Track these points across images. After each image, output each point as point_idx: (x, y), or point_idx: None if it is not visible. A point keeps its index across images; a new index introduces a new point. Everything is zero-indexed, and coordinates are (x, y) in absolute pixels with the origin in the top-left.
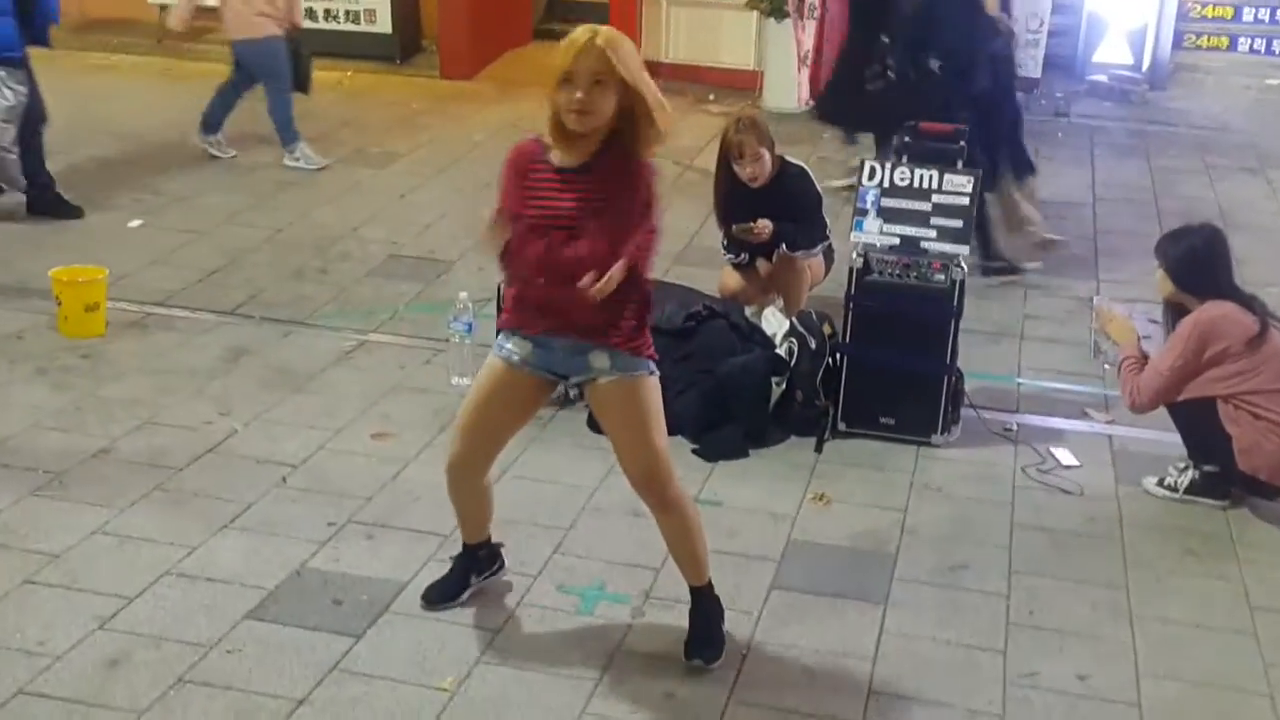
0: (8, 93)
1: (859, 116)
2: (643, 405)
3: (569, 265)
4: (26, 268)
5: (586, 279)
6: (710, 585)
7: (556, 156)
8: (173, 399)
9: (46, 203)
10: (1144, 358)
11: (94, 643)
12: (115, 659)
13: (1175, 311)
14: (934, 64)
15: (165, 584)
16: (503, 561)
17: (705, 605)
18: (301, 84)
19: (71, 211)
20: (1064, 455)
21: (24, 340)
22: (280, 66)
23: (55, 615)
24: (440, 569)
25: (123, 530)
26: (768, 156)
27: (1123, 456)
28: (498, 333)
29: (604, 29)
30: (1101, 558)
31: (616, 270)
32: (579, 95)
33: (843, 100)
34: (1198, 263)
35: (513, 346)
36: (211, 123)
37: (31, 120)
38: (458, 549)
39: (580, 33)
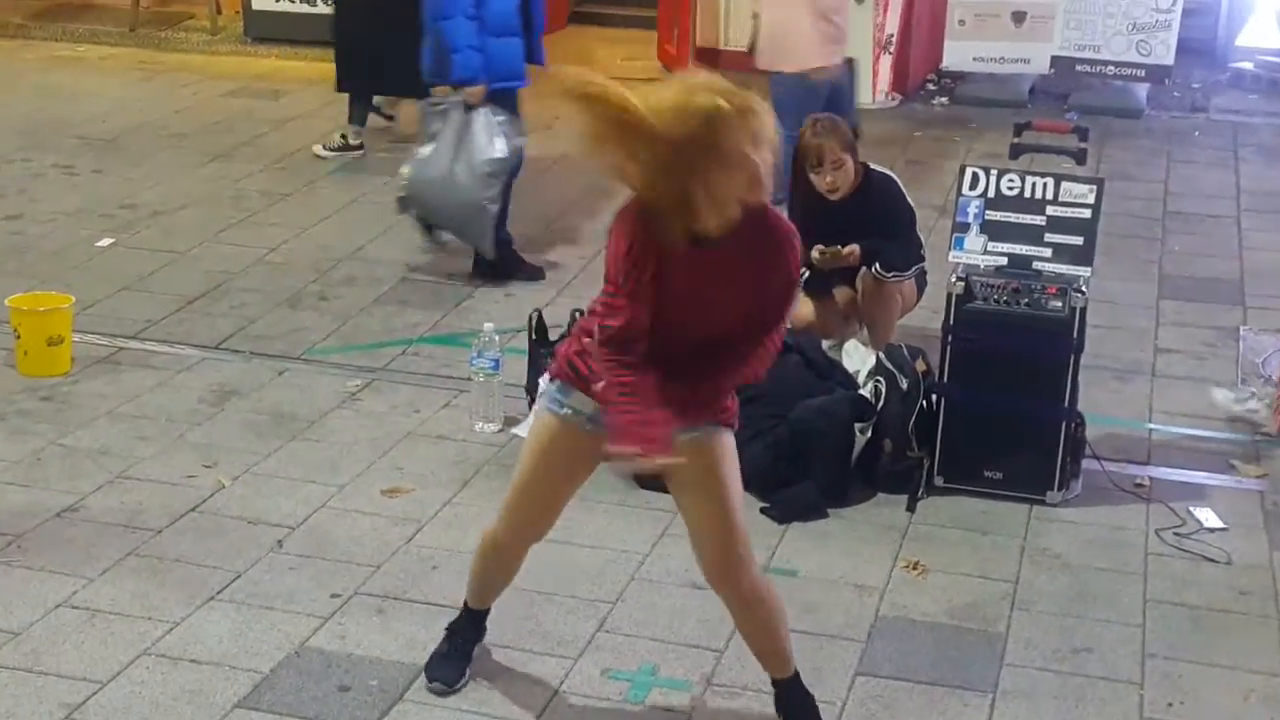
0: (500, 143)
1: None
2: (717, 466)
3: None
4: None
5: None
6: (797, 675)
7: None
8: (149, 449)
9: (505, 262)
10: None
11: None
12: None
13: None
14: None
15: (143, 666)
16: (484, 629)
17: (793, 700)
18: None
19: (534, 273)
20: (1207, 516)
21: None
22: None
23: (16, 702)
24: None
25: (93, 603)
26: (850, 163)
27: (1278, 517)
28: (550, 380)
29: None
30: (1254, 638)
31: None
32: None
33: None
34: None
35: (575, 402)
36: None
37: (515, 168)
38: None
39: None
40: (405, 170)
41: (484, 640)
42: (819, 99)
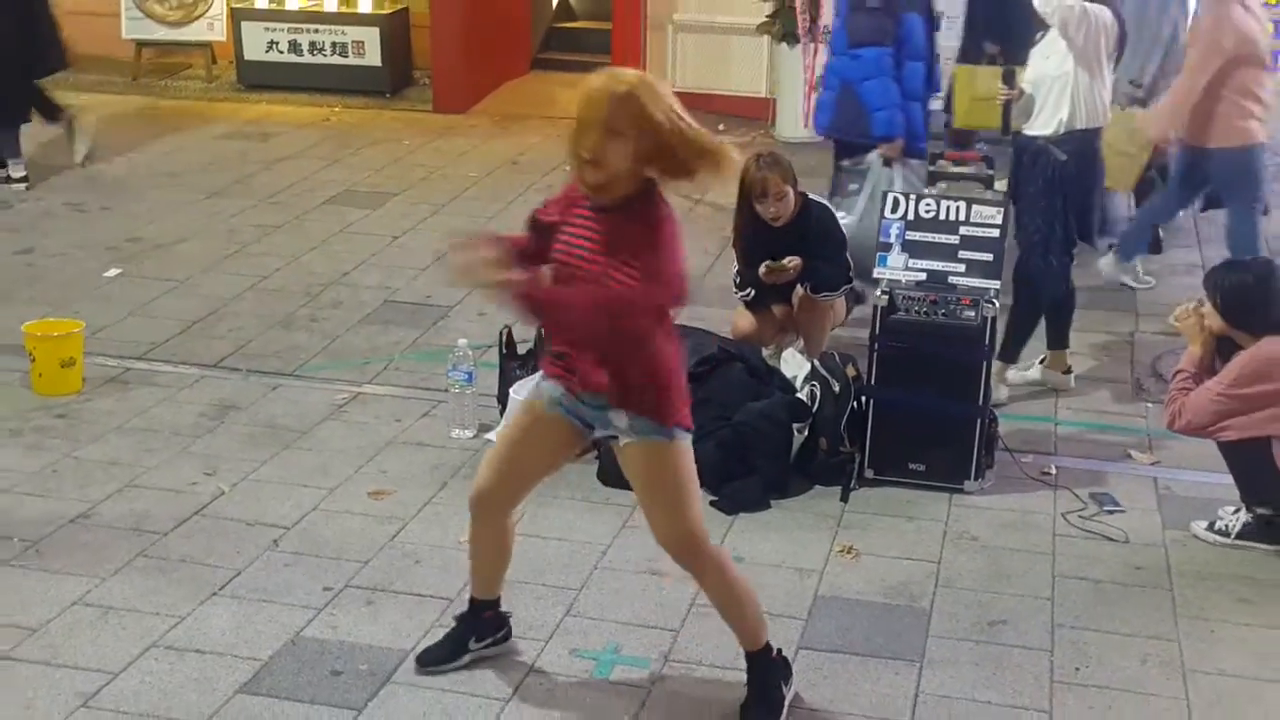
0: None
1: None
2: (669, 472)
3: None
4: None
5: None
6: (767, 649)
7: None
8: (155, 459)
9: None
10: (1199, 377)
11: None
12: None
13: (1229, 346)
14: None
15: (152, 657)
16: (509, 630)
17: (762, 670)
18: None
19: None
20: (1107, 500)
21: None
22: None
23: (36, 693)
24: (443, 634)
25: (105, 601)
26: (791, 194)
27: (1169, 500)
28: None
29: (628, 76)
30: (1150, 608)
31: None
32: (586, 149)
33: None
34: (1249, 299)
35: (548, 388)
36: (1131, 248)
37: None
38: (463, 610)
39: (597, 80)
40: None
41: (507, 642)
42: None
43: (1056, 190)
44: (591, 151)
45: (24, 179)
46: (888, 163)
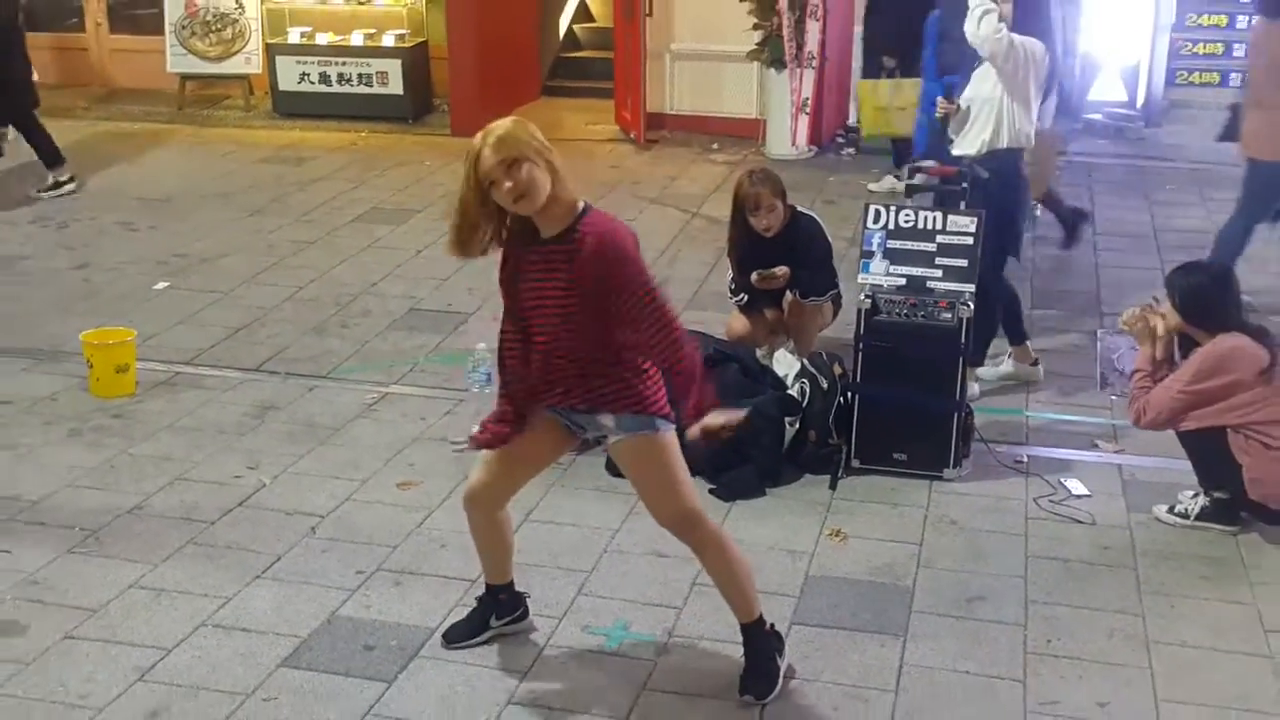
0: None
1: None
2: (657, 461)
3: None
4: (57, 332)
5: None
6: (761, 620)
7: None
8: (202, 455)
9: None
10: (1155, 375)
11: (134, 694)
12: (155, 710)
13: (1188, 342)
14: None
15: (201, 635)
16: (526, 610)
17: (757, 642)
18: None
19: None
20: (1075, 485)
21: (57, 402)
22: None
23: (96, 668)
24: (466, 612)
25: (158, 584)
26: (781, 207)
27: (1133, 485)
28: None
29: (503, 121)
30: (1116, 585)
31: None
32: (507, 185)
33: None
34: (1205, 299)
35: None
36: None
37: None
38: (483, 591)
39: (491, 136)
40: None
41: (525, 620)
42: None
43: (982, 205)
44: (513, 185)
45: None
46: None
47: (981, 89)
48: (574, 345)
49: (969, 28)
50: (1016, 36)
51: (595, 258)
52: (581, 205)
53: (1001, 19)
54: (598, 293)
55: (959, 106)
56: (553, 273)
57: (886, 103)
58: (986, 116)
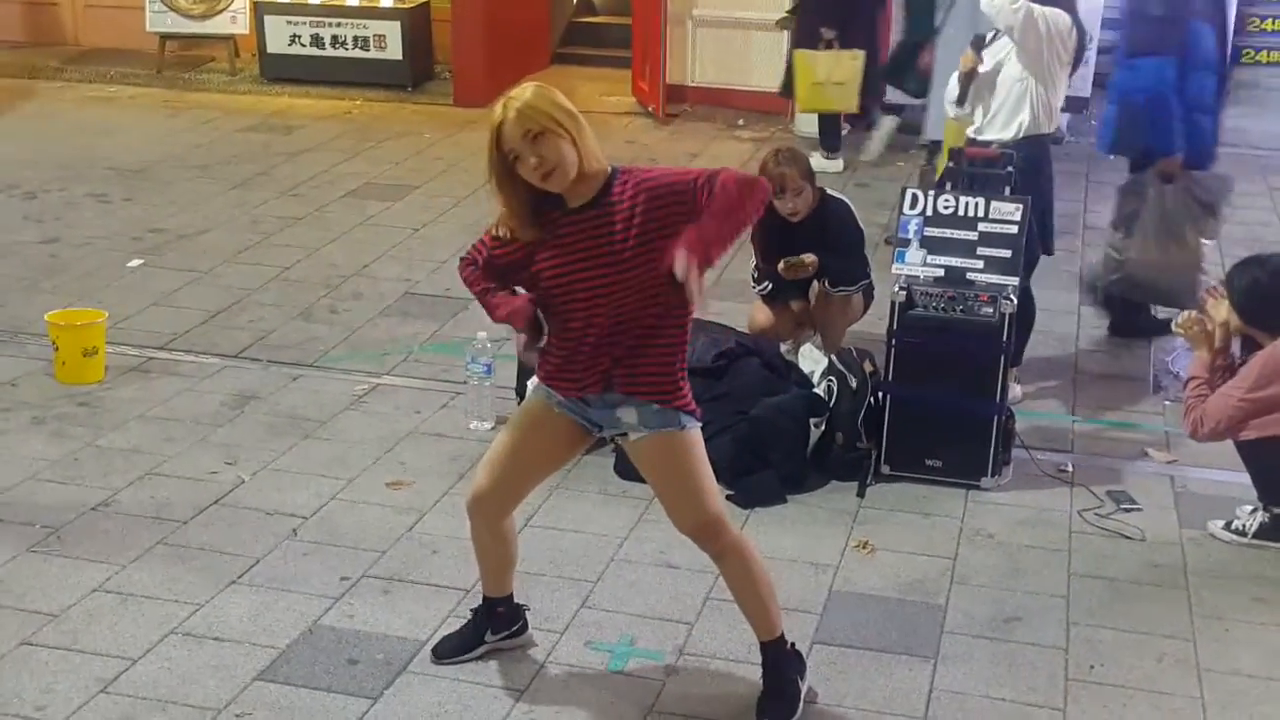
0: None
1: None
2: (681, 462)
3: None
4: (20, 311)
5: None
6: (782, 639)
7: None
8: (176, 448)
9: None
10: (1213, 382)
11: (96, 707)
12: None
13: (1249, 344)
14: None
15: (170, 644)
16: (525, 624)
17: (778, 661)
18: None
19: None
20: (1124, 498)
21: (19, 388)
22: None
23: (55, 678)
24: (459, 624)
25: (125, 587)
26: (809, 189)
27: (1186, 498)
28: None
29: (512, 94)
30: (1166, 607)
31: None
32: (533, 161)
33: None
34: (1262, 296)
35: (545, 389)
36: None
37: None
38: (479, 602)
39: (513, 103)
40: (1113, 254)
41: (524, 635)
42: None
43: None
44: (539, 161)
45: None
46: (1167, 179)
47: (1012, 69)
48: (616, 316)
49: None
50: (1037, 7)
51: (638, 196)
52: (611, 169)
53: None
54: (651, 234)
55: (980, 60)
56: (593, 238)
57: (824, 77)
58: (1019, 98)
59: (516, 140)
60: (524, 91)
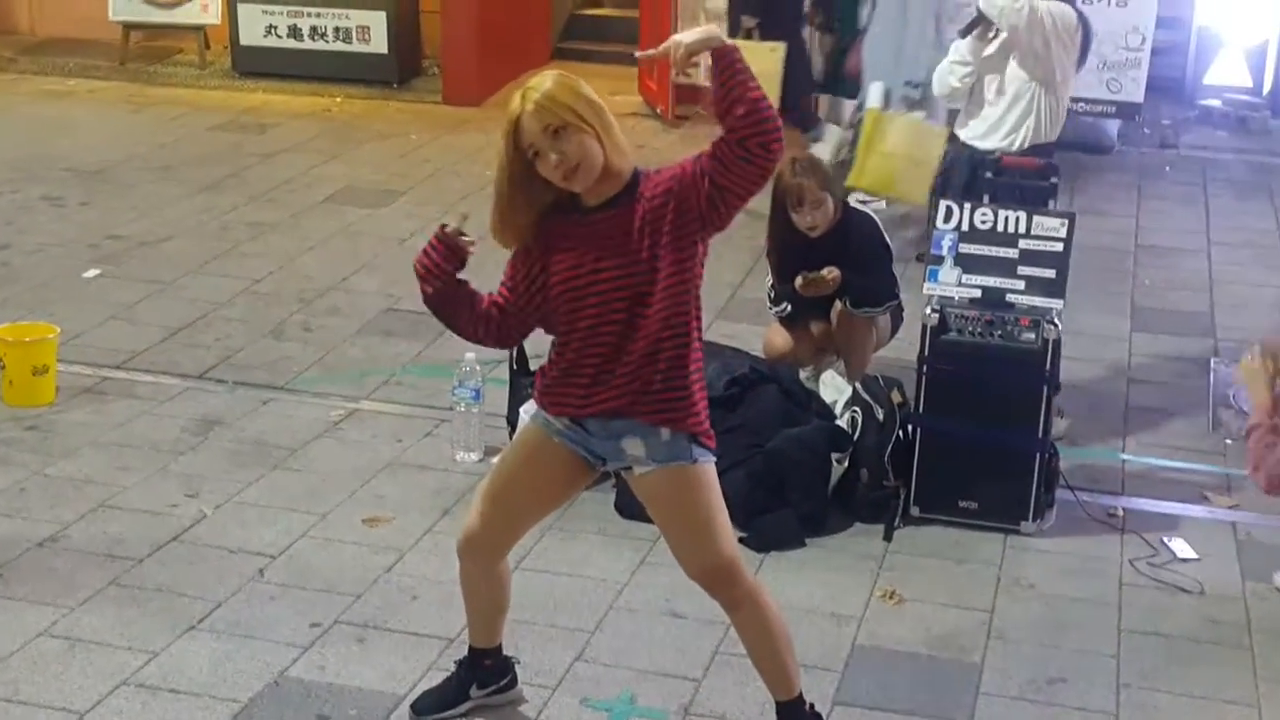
0: None
1: None
2: (693, 499)
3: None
4: None
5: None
6: (800, 699)
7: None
8: (132, 478)
9: None
10: (1276, 429)
11: None
12: None
13: None
14: None
15: (122, 696)
16: (514, 678)
17: None
18: None
19: None
20: (1180, 546)
21: None
22: None
23: None
24: (442, 678)
25: (73, 632)
26: (830, 201)
27: (1250, 548)
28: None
29: (531, 84)
30: (1227, 669)
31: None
32: (554, 158)
33: None
34: None
35: (550, 415)
36: None
37: None
38: (464, 652)
39: (532, 95)
40: None
41: (513, 690)
42: None
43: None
44: (560, 158)
45: None
46: None
47: (1013, 74)
48: (628, 322)
49: None
50: (1041, 4)
51: (656, 195)
52: (635, 168)
53: None
54: (667, 232)
55: (996, 34)
56: (609, 237)
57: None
58: (1028, 104)
59: (536, 135)
60: (544, 81)
